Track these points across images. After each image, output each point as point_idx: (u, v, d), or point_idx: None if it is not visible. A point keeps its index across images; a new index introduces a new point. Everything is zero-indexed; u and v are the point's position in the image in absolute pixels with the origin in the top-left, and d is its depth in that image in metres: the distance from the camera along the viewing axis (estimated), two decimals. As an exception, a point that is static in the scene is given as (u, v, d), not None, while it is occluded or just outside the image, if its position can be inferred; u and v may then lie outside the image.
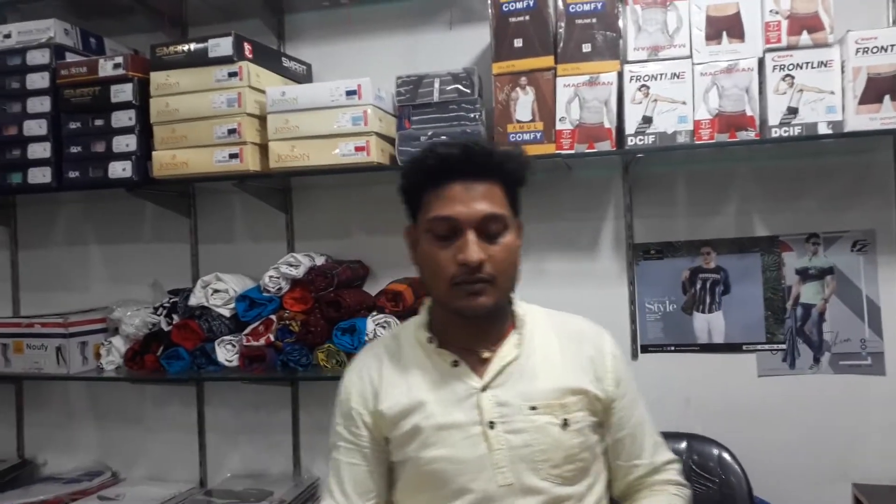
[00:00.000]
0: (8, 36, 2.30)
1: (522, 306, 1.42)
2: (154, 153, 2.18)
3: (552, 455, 1.28)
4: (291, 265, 2.23)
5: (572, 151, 1.99)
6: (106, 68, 2.21)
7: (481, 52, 2.28)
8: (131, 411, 2.64)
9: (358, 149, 2.04)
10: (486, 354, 1.34)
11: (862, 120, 1.82)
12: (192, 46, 2.14)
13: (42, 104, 2.27)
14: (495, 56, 2.05)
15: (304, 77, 2.41)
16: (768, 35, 1.90)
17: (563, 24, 2.01)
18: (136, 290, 2.57)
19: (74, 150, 2.24)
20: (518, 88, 2.03)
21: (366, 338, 2.13)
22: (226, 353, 2.26)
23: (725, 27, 1.93)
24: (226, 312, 2.28)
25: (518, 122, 2.03)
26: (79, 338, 2.38)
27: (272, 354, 2.22)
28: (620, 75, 1.98)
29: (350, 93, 2.06)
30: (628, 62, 1.98)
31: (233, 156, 2.12)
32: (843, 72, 1.85)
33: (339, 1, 2.37)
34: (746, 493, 1.91)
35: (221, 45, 2.11)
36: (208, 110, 2.12)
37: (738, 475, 1.93)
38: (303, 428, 2.49)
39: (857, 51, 1.83)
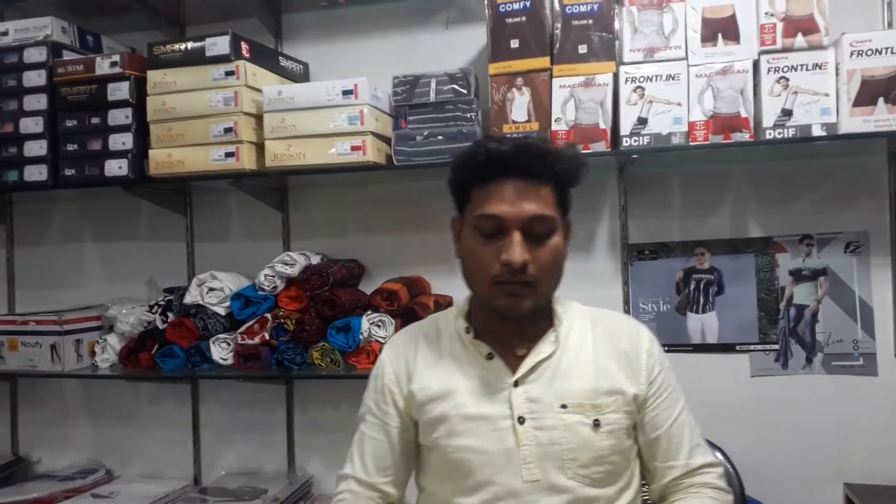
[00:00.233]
0: (5, 33, 2.30)
1: (562, 304, 1.40)
2: (150, 151, 2.18)
3: (580, 455, 1.27)
4: (287, 264, 2.24)
5: (568, 152, 1.99)
6: (103, 66, 2.21)
7: (478, 53, 2.29)
8: (126, 409, 2.64)
9: (354, 148, 2.05)
10: (521, 352, 1.33)
11: (856, 122, 1.83)
12: (190, 45, 2.14)
13: (39, 102, 2.27)
14: (492, 56, 2.06)
15: (301, 76, 2.42)
16: (763, 37, 1.91)
17: (559, 26, 2.01)
18: (132, 288, 2.57)
19: (71, 147, 2.25)
20: (514, 89, 2.03)
21: (360, 336, 2.14)
22: (221, 352, 2.27)
23: (721, 29, 1.94)
24: (221, 311, 2.29)
25: (514, 122, 2.03)
26: (74, 335, 2.38)
27: (267, 353, 2.22)
28: (616, 76, 1.99)
29: (346, 92, 2.06)
30: (624, 63, 1.99)
31: (229, 154, 2.12)
32: (837, 74, 1.86)
33: (337, 1, 2.38)
34: (739, 493, 1.91)
35: (218, 44, 2.11)
36: (205, 109, 2.13)
37: (730, 475, 1.93)
38: (297, 426, 2.49)
39: (852, 53, 1.84)
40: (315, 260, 2.32)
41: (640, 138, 1.95)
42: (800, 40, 1.88)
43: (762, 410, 2.15)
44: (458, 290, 2.30)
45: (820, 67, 1.86)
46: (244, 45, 2.14)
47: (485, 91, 2.10)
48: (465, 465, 1.29)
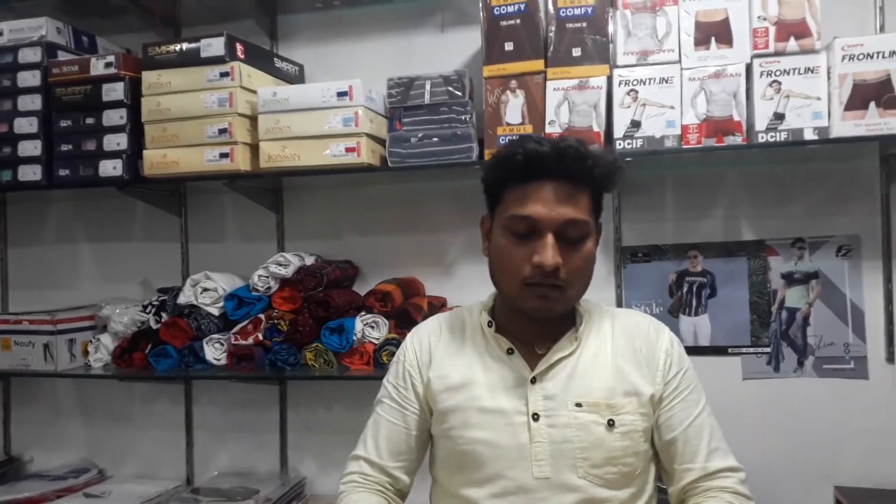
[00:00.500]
0: (0, 34, 2.30)
1: (585, 304, 1.41)
2: (145, 152, 2.18)
3: (592, 454, 1.26)
4: (281, 265, 2.24)
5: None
6: (98, 67, 2.22)
7: (472, 55, 2.30)
8: (119, 409, 2.64)
9: (349, 150, 2.05)
10: (541, 349, 1.34)
11: (847, 126, 1.84)
12: (184, 46, 2.15)
13: (33, 102, 2.27)
14: (486, 59, 2.06)
15: (297, 78, 2.42)
16: (756, 41, 1.91)
17: (553, 28, 2.02)
18: (126, 289, 2.58)
19: (65, 148, 2.25)
20: (508, 91, 2.04)
21: (354, 337, 2.15)
22: (214, 352, 2.27)
23: (714, 33, 1.95)
24: (214, 311, 2.29)
25: (508, 124, 2.04)
26: (67, 335, 2.38)
27: (260, 353, 2.22)
28: (610, 79, 1.99)
29: (341, 94, 2.07)
30: (618, 66, 2.00)
31: (223, 155, 2.12)
32: (829, 78, 1.87)
33: (332, 2, 2.39)
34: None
35: (213, 46, 2.12)
36: (199, 110, 2.13)
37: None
38: (290, 427, 2.49)
39: (844, 57, 1.85)
40: (309, 261, 2.32)
41: (634, 141, 1.96)
42: (792, 44, 1.89)
43: (754, 413, 2.15)
44: (452, 292, 2.35)
45: (812, 71, 1.87)
46: (239, 47, 2.15)
47: (479, 93, 2.11)
48: (476, 457, 1.30)
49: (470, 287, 2.31)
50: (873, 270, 2.11)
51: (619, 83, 1.97)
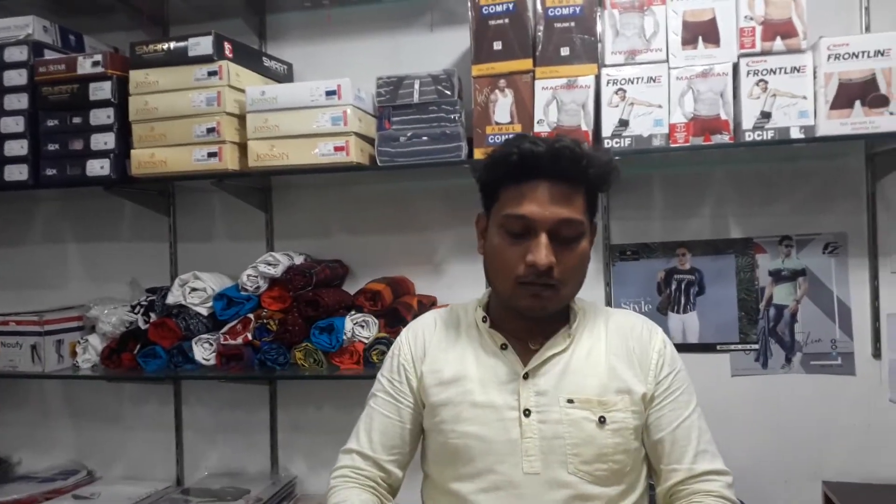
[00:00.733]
0: (-15, 32, 2.29)
1: (579, 303, 1.42)
2: (132, 151, 2.17)
3: (583, 450, 1.27)
4: (270, 264, 2.23)
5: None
6: (85, 66, 2.20)
7: (461, 55, 2.30)
8: (108, 410, 2.62)
9: (337, 149, 2.05)
10: (534, 346, 1.35)
11: (833, 125, 1.85)
12: (172, 45, 2.14)
13: (20, 101, 2.26)
14: (475, 58, 2.06)
15: (285, 77, 2.42)
16: (743, 40, 1.92)
17: (541, 28, 2.02)
18: (114, 289, 2.56)
19: (52, 147, 2.24)
20: (497, 91, 2.04)
21: (343, 337, 2.14)
22: (203, 352, 2.26)
23: (701, 32, 1.96)
24: (203, 311, 2.28)
25: (497, 123, 2.04)
26: (55, 336, 2.36)
27: (250, 353, 2.22)
28: (598, 79, 2.00)
29: (330, 93, 2.06)
30: (606, 66, 2.00)
31: (212, 154, 2.12)
32: (815, 77, 1.88)
33: (321, 2, 2.38)
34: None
35: (201, 44, 2.11)
36: (187, 109, 2.12)
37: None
38: (280, 427, 2.49)
39: (829, 57, 1.86)
40: (298, 260, 2.32)
41: (622, 140, 1.96)
42: (778, 44, 1.90)
43: (742, 409, 2.17)
44: (442, 291, 2.35)
45: (798, 70, 1.88)
46: (227, 46, 2.14)
47: (468, 92, 2.11)
48: (466, 451, 1.30)
49: (460, 286, 2.32)
50: (860, 267, 2.13)
51: (608, 82, 1.98)
